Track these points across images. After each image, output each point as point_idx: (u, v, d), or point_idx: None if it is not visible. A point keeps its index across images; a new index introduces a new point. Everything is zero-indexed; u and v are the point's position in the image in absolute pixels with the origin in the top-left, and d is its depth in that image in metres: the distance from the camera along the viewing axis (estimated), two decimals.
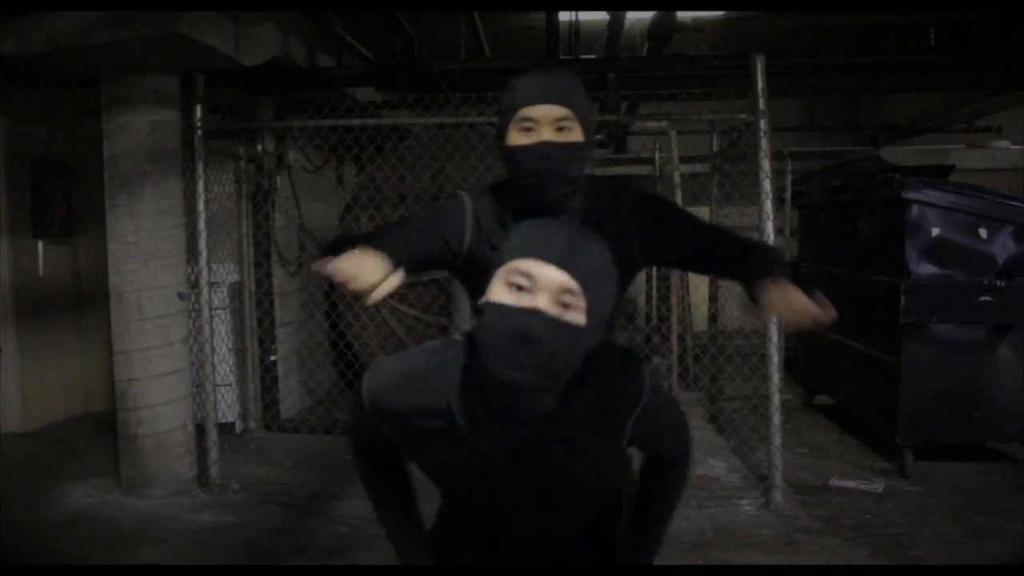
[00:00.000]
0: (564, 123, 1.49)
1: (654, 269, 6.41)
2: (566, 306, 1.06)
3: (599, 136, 7.01)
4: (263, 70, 4.26)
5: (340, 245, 1.30)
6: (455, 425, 1.18)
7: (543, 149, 1.47)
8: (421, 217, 1.63)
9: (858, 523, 3.59)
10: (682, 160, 5.80)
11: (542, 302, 1.05)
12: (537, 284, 1.06)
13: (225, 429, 4.70)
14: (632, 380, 1.23)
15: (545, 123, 1.48)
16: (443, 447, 1.22)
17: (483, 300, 1.11)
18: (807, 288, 1.27)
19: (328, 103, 4.32)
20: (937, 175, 4.56)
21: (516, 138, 1.51)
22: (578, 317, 1.07)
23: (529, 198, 1.53)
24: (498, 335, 1.06)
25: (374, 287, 1.25)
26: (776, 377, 3.86)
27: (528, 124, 1.49)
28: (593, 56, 5.27)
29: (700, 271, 1.81)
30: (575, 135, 1.50)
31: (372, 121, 4.44)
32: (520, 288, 1.07)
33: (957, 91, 6.80)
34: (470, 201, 1.60)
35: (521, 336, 1.04)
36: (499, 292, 1.08)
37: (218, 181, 4.80)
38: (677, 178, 5.73)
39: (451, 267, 1.60)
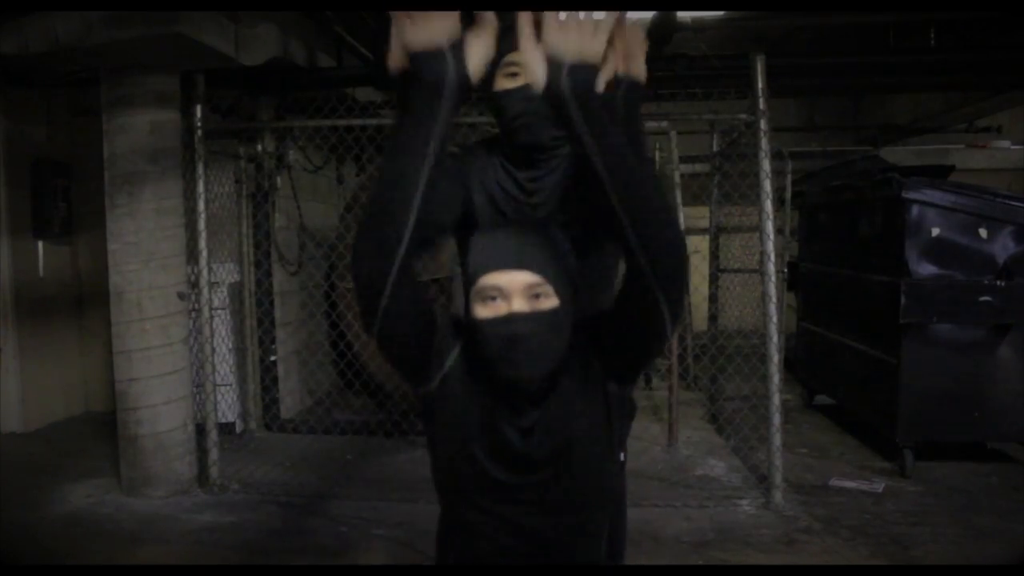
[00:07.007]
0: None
1: None
2: (537, 296, 1.22)
3: None
4: (263, 70, 4.26)
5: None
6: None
7: (528, 92, 1.30)
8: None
9: (858, 523, 3.59)
10: (682, 160, 5.80)
11: (516, 305, 1.21)
12: (505, 291, 1.21)
13: (225, 429, 4.70)
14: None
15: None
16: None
17: (469, 319, 1.26)
18: None
19: (328, 103, 4.32)
20: (937, 175, 4.55)
21: (502, 83, 1.54)
22: (550, 301, 1.22)
23: (517, 144, 1.56)
24: (492, 346, 1.22)
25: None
26: (776, 377, 3.86)
27: (514, 69, 1.51)
28: None
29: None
30: None
31: (372, 121, 4.44)
32: (494, 299, 1.22)
33: (957, 91, 6.79)
34: (467, 157, 1.68)
35: (510, 340, 1.20)
36: (479, 311, 1.24)
37: (218, 181, 4.80)
38: (677, 178, 5.73)
39: (460, 223, 1.62)
